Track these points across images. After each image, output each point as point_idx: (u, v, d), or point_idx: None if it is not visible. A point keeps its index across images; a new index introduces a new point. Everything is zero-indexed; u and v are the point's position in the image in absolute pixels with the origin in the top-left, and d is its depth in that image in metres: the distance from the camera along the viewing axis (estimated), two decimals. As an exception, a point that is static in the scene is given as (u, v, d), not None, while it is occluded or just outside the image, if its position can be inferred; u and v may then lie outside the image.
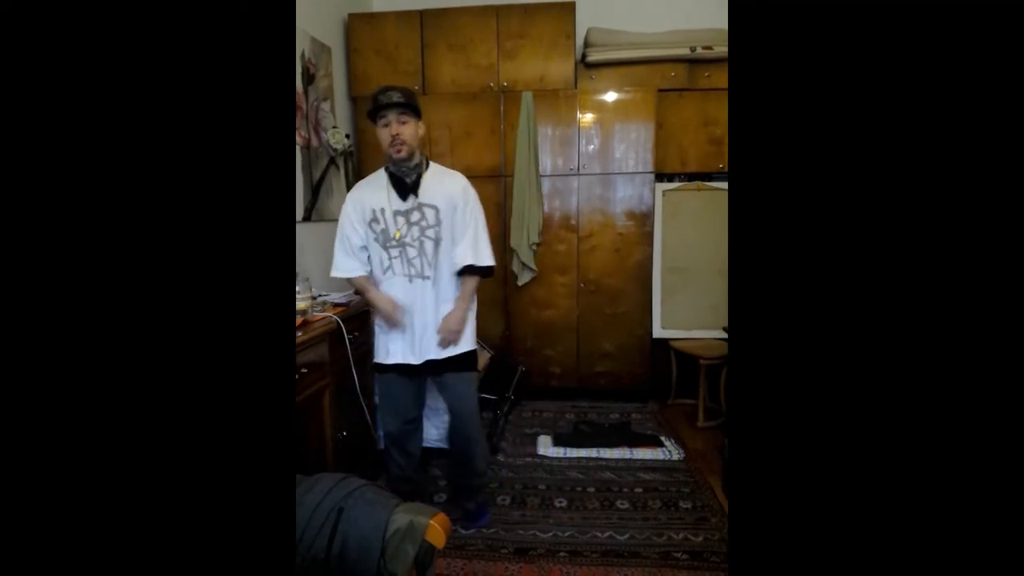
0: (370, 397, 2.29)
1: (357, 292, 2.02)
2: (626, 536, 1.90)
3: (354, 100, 3.15)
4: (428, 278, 1.80)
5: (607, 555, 1.79)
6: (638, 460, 2.47)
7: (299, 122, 2.53)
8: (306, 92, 2.59)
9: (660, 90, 3.03)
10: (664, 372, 3.19)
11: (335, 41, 2.97)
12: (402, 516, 1.11)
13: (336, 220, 2.87)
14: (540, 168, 3.05)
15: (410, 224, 1.78)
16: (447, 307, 1.84)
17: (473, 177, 3.03)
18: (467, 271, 1.83)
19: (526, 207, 3.01)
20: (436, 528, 1.09)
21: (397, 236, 1.78)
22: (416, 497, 2.04)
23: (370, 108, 1.73)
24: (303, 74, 2.57)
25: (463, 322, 1.85)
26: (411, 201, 1.78)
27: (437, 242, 1.79)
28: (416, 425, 2.01)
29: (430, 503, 2.11)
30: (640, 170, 3.05)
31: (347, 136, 2.92)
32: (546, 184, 3.08)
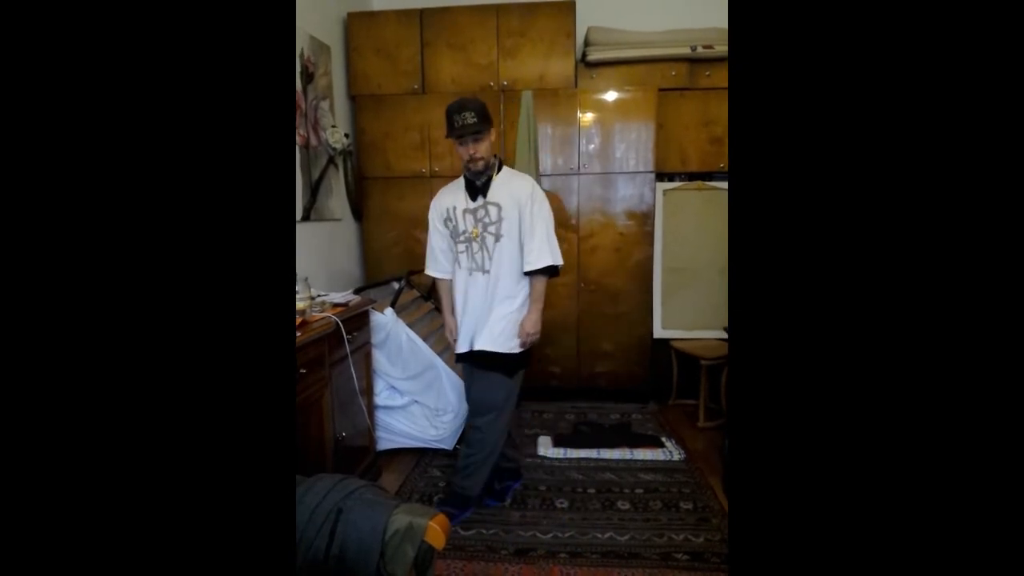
0: (369, 398, 2.29)
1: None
2: (626, 537, 1.89)
3: (353, 99, 3.14)
4: (487, 272, 1.94)
5: (607, 556, 1.79)
6: (639, 461, 2.46)
7: (298, 121, 2.52)
8: (305, 91, 2.59)
9: (661, 89, 3.02)
10: (665, 372, 3.19)
11: (334, 40, 2.96)
12: (401, 517, 1.10)
13: (335, 220, 2.90)
14: (540, 167, 3.04)
15: (477, 221, 1.94)
16: (506, 304, 1.95)
17: (473, 176, 3.08)
18: (544, 272, 1.93)
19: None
20: (435, 529, 1.09)
21: (476, 234, 1.94)
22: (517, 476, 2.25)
23: (447, 131, 1.87)
24: (302, 73, 2.56)
25: (538, 323, 1.97)
26: (479, 200, 1.94)
27: (497, 238, 1.92)
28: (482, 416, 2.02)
29: (429, 503, 2.10)
30: (640, 169, 3.04)
31: (346, 135, 2.91)
32: (546, 183, 3.08)
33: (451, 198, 2.00)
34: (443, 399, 2.45)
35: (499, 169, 1.96)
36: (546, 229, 1.93)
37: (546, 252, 1.92)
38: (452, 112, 1.84)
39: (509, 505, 2.12)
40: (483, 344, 1.94)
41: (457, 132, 1.84)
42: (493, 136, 1.92)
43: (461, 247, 1.97)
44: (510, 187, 1.93)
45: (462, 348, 2.01)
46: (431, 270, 2.10)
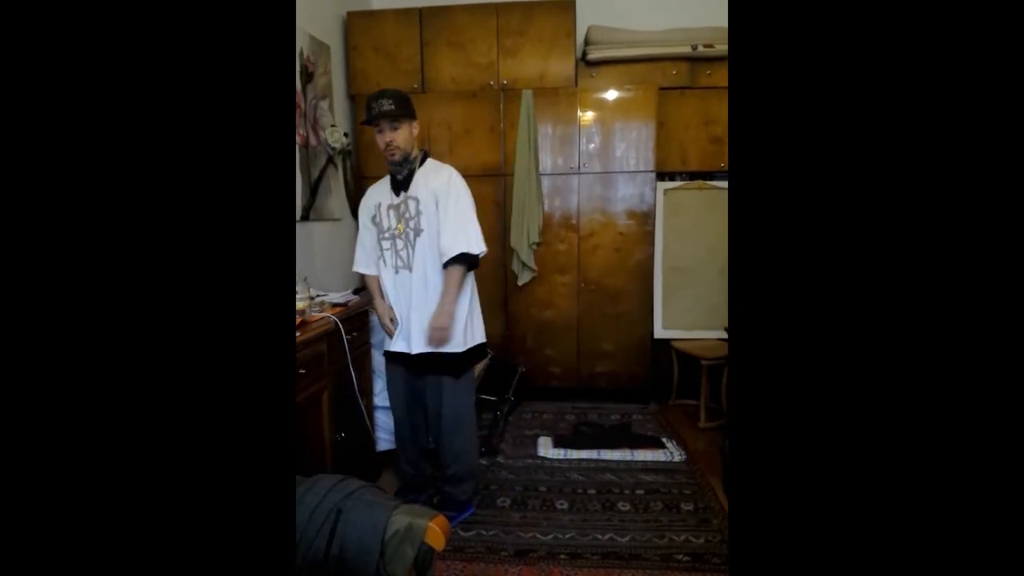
0: (369, 398, 2.29)
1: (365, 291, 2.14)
2: (627, 538, 1.89)
3: (353, 98, 3.14)
4: (412, 270, 1.91)
5: (608, 557, 1.79)
6: (639, 461, 2.46)
7: (297, 121, 2.52)
8: (304, 90, 2.58)
9: (661, 88, 3.02)
10: (665, 373, 3.18)
11: (334, 39, 2.96)
12: (401, 518, 1.10)
13: (335, 219, 2.90)
14: (540, 167, 3.04)
15: (400, 217, 1.92)
16: (437, 299, 1.89)
17: (472, 176, 3.04)
18: (458, 260, 1.83)
19: (526, 206, 3.00)
20: (435, 530, 1.08)
21: (400, 230, 1.91)
22: (420, 489, 2.14)
23: (365, 117, 1.85)
24: (301, 72, 2.56)
25: (449, 316, 1.86)
26: (401, 196, 1.92)
27: (417, 233, 1.89)
28: (417, 421, 2.06)
29: (429, 504, 2.10)
30: (641, 169, 3.04)
31: (345, 135, 2.91)
32: (546, 183, 3.08)
33: (378, 195, 1.98)
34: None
35: (422, 162, 1.93)
36: (459, 217, 1.85)
37: (460, 240, 1.83)
38: (370, 100, 1.83)
39: (509, 506, 2.11)
40: (423, 346, 1.90)
41: (373, 118, 1.81)
42: (416, 130, 1.90)
43: (386, 244, 1.94)
44: (429, 179, 1.89)
45: (400, 347, 1.97)
46: (358, 266, 2.06)
